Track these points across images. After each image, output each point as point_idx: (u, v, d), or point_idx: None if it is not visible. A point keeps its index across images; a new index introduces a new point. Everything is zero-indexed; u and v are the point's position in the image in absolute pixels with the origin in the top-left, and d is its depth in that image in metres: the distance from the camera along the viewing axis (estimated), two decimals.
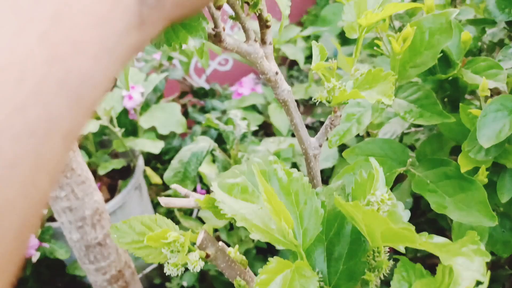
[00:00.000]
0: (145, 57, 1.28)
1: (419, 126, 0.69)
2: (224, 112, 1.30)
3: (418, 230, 0.33)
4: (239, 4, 0.39)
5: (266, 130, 1.40)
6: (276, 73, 0.41)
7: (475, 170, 0.52)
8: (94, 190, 0.81)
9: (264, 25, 0.41)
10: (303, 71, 1.67)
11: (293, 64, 1.65)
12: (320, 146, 0.45)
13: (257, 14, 0.41)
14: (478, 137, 0.48)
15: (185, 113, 1.43)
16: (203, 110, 1.43)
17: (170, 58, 1.27)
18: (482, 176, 0.50)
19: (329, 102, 0.41)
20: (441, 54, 0.57)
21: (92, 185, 0.81)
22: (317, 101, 0.41)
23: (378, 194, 0.37)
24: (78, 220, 0.79)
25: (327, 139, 0.47)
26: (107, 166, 1.11)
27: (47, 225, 0.98)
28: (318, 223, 0.36)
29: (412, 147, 0.69)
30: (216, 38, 0.36)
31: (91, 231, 0.79)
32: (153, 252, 0.40)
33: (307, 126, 1.32)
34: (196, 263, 0.37)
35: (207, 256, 0.38)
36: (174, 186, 0.45)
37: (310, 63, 0.43)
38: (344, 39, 1.44)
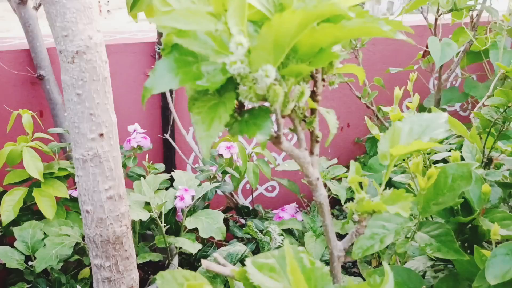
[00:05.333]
0: (203, 167, 1.41)
1: (439, 265, 0.74)
2: (262, 231, 1.38)
3: None
4: (298, 121, 0.50)
5: None
6: (318, 178, 0.51)
7: None
8: (134, 268, 0.89)
9: (314, 139, 0.52)
10: (344, 211, 1.75)
11: (334, 203, 1.74)
12: (345, 249, 0.52)
13: (310, 131, 0.51)
14: (486, 274, 0.54)
15: (226, 226, 1.52)
16: (243, 227, 1.51)
17: (224, 172, 1.39)
18: None
19: (357, 210, 0.49)
20: (463, 200, 0.65)
21: (133, 263, 0.88)
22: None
23: None
24: None
25: (351, 246, 0.54)
26: (146, 256, 1.18)
27: None
28: None
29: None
30: (276, 139, 0.47)
31: None
32: None
33: None
34: None
35: None
36: (206, 263, 0.52)
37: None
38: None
